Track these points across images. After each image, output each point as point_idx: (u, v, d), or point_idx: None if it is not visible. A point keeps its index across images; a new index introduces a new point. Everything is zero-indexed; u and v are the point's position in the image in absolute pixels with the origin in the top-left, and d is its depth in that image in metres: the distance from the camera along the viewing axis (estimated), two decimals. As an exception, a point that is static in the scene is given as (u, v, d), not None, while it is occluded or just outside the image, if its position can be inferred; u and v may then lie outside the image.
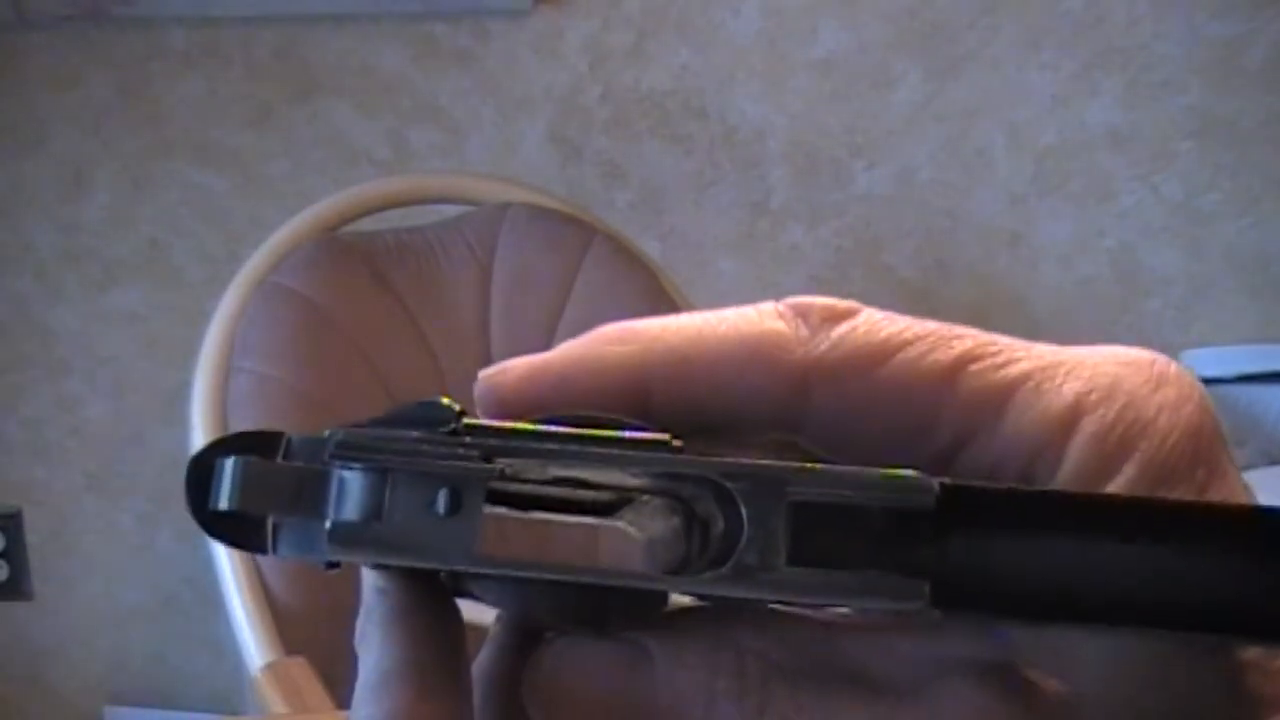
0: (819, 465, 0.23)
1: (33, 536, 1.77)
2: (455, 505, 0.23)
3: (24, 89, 1.72)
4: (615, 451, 0.23)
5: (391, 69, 1.70)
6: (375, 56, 1.70)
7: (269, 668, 1.16)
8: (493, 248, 1.42)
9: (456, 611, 0.26)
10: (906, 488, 0.22)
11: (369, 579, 0.26)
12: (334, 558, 0.24)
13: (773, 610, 0.25)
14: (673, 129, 1.71)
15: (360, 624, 0.26)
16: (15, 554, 1.76)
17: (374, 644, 0.25)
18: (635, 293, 1.40)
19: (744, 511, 0.22)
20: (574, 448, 0.23)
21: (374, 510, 0.24)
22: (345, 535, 0.24)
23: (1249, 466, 1.51)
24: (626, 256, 1.44)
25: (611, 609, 0.25)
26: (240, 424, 1.26)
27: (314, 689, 1.13)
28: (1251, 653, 0.23)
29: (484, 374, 0.26)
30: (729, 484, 0.23)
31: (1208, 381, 1.63)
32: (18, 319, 1.79)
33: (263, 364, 1.30)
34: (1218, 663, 0.23)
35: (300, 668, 1.16)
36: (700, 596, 0.24)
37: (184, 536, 1.77)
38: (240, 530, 0.25)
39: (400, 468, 0.23)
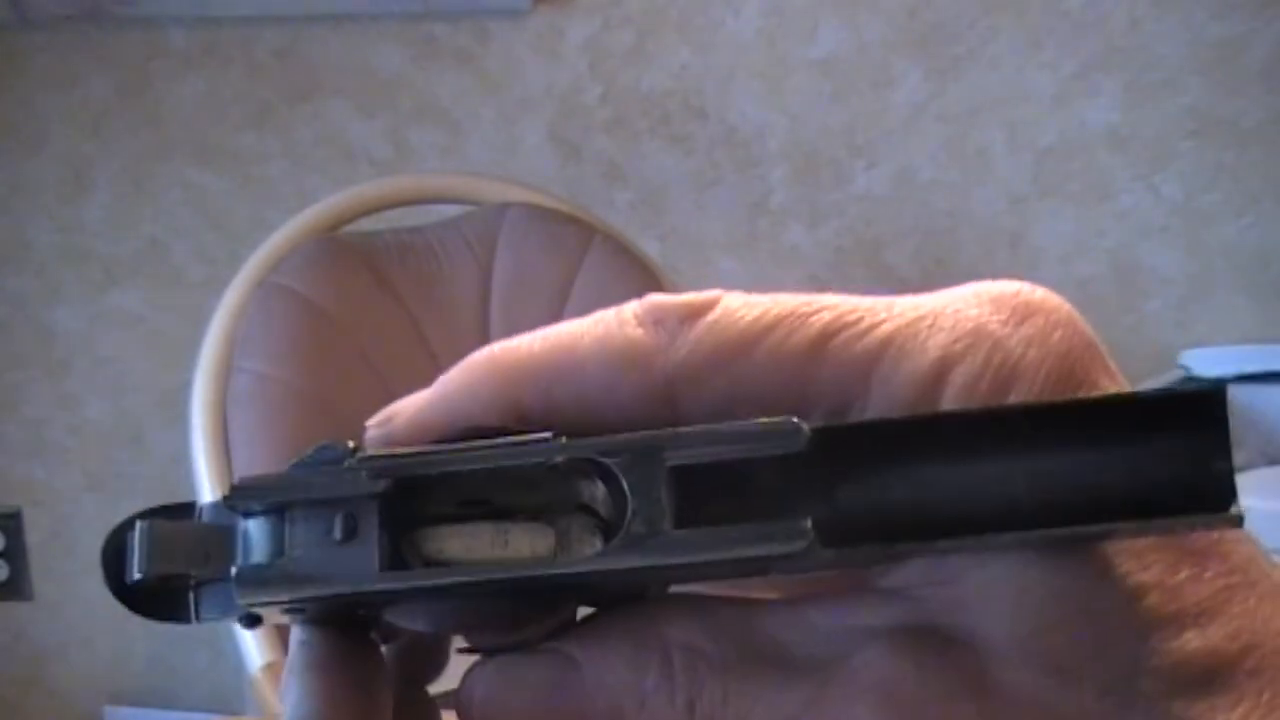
0: (693, 427, 0.23)
1: (33, 536, 1.77)
2: (350, 530, 0.24)
3: (24, 89, 1.72)
4: (497, 451, 0.23)
5: (391, 69, 1.70)
6: (375, 56, 1.70)
7: (269, 668, 1.16)
8: (493, 248, 1.42)
9: (381, 665, 0.27)
10: (778, 434, 0.22)
11: (294, 633, 0.26)
12: (244, 600, 0.24)
13: (692, 597, 0.25)
14: (673, 129, 1.71)
15: (285, 675, 0.26)
16: (15, 554, 1.76)
17: (291, 695, 0.26)
18: (635, 293, 1.39)
19: (625, 484, 0.23)
20: (459, 457, 0.24)
21: (277, 549, 0.24)
22: (252, 577, 0.24)
23: (1248, 466, 1.51)
24: (626, 256, 1.44)
25: (522, 609, 0.25)
26: (240, 424, 1.26)
27: (314, 689, 1.12)
28: (1151, 572, 0.22)
29: (371, 423, 0.26)
30: (607, 460, 0.23)
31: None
32: (18, 319, 1.79)
33: (263, 364, 1.30)
34: (1117, 589, 0.22)
35: (300, 668, 1.16)
36: (606, 583, 0.24)
37: (184, 536, 1.77)
38: (163, 603, 0.26)
39: (296, 501, 0.24)
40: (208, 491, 1.24)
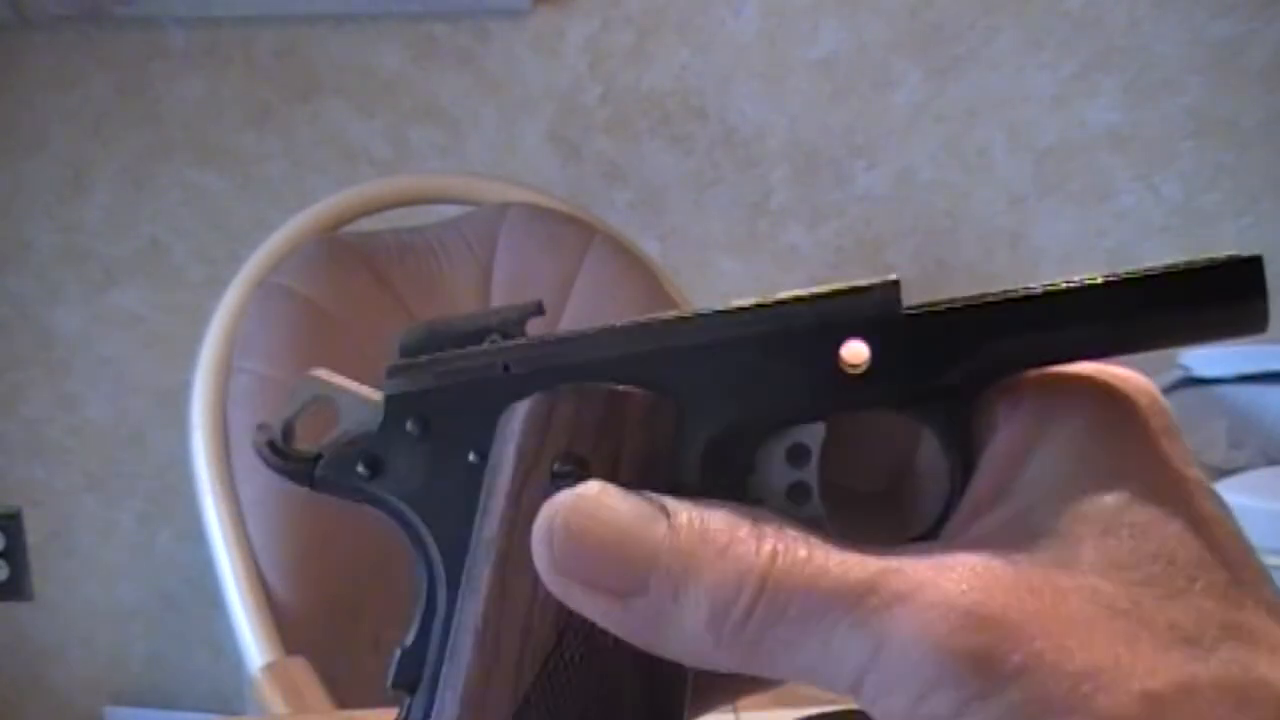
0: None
1: (33, 536, 1.77)
2: (506, 335, 0.28)
3: (24, 89, 1.72)
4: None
5: (391, 69, 1.70)
6: (375, 56, 1.70)
7: (269, 668, 1.16)
8: (493, 248, 1.42)
9: None
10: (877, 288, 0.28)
11: None
12: (391, 372, 0.29)
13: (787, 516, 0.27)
14: (673, 129, 1.70)
15: None
16: (15, 554, 1.76)
17: None
18: (635, 293, 1.40)
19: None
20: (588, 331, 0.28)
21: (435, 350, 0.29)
22: (403, 365, 0.29)
23: (1248, 466, 1.51)
24: (626, 256, 1.43)
25: (629, 406, 0.27)
26: (240, 424, 1.26)
27: (314, 689, 1.12)
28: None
29: None
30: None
31: (1208, 382, 1.63)
32: (18, 319, 1.79)
33: (263, 364, 1.30)
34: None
35: (300, 668, 1.16)
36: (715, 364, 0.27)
37: (184, 536, 1.77)
38: (296, 461, 0.30)
39: (454, 327, 0.29)
40: (208, 491, 1.24)
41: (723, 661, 0.25)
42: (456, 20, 1.68)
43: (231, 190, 1.73)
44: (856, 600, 0.23)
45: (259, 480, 1.23)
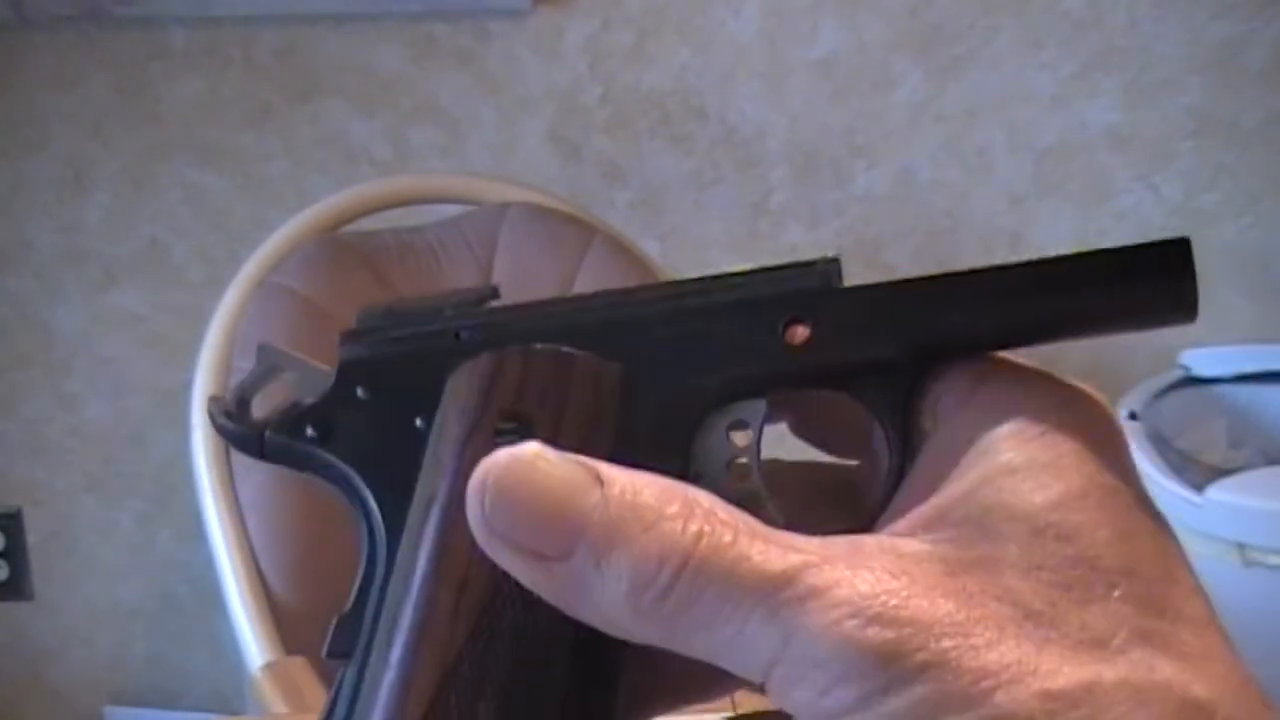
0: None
1: (33, 536, 1.77)
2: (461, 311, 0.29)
3: (24, 89, 1.72)
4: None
5: (391, 69, 1.70)
6: (375, 56, 1.70)
7: (269, 667, 1.16)
8: (493, 248, 1.42)
9: None
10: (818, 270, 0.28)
11: None
12: (345, 341, 0.29)
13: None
14: (673, 129, 1.70)
15: None
16: (15, 554, 1.76)
17: None
18: (635, 293, 1.40)
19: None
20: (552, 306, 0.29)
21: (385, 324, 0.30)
22: (356, 332, 0.29)
23: (1248, 466, 1.51)
24: (626, 256, 1.43)
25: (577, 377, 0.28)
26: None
27: (314, 689, 1.13)
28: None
29: None
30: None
31: (1207, 381, 1.63)
32: (18, 319, 1.79)
33: (263, 364, 1.30)
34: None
35: (300, 667, 1.16)
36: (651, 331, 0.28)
37: (184, 536, 1.77)
38: (244, 430, 0.30)
39: (412, 303, 0.30)
40: (208, 491, 1.24)
41: (640, 634, 0.25)
42: (456, 20, 1.68)
43: (231, 190, 1.73)
44: (772, 591, 0.23)
45: (259, 480, 1.23)
